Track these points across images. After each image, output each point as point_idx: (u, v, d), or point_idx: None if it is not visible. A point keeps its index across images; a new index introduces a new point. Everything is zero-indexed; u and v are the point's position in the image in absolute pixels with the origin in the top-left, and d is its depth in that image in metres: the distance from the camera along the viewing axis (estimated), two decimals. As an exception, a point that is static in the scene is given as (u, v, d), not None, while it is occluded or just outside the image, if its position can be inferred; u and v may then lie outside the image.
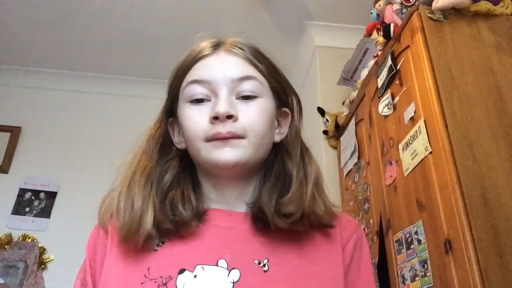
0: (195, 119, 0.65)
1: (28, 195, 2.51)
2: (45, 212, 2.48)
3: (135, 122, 2.86)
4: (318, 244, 0.67)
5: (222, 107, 0.62)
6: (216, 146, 0.63)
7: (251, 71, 0.68)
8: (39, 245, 2.35)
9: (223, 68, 0.67)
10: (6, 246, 2.29)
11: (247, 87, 0.66)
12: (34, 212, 2.47)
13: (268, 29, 2.43)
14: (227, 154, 0.63)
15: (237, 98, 0.66)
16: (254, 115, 0.65)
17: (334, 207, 0.70)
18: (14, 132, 2.66)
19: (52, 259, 2.37)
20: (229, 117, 0.63)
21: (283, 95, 0.73)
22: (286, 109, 0.74)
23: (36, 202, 2.50)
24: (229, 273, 0.60)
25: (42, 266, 2.34)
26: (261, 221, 0.65)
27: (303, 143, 0.74)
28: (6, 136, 2.64)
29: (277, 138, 0.72)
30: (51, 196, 2.53)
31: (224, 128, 0.62)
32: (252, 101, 0.66)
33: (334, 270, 0.65)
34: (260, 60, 0.70)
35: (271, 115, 0.68)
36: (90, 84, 2.88)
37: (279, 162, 0.71)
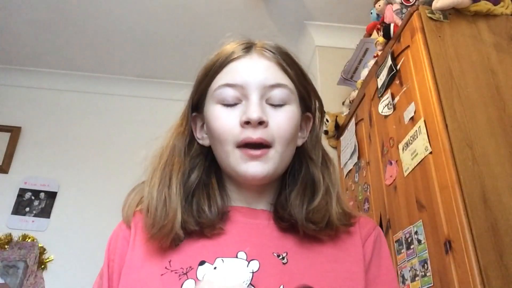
0: (225, 121, 0.65)
1: (28, 195, 2.51)
2: (45, 212, 2.48)
3: (135, 122, 2.88)
4: (337, 241, 0.68)
5: (255, 113, 0.63)
6: (244, 159, 0.64)
7: (282, 78, 0.69)
8: (39, 245, 2.35)
9: (256, 73, 0.67)
10: (6, 246, 2.29)
11: (278, 95, 0.67)
12: (34, 212, 2.47)
13: (268, 29, 2.43)
14: (255, 168, 0.64)
15: (268, 104, 0.67)
16: (283, 122, 0.66)
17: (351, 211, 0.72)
18: (14, 132, 2.66)
19: (52, 259, 2.37)
20: (261, 123, 0.63)
21: (308, 100, 0.75)
22: (309, 114, 0.76)
23: (36, 202, 2.50)
24: (248, 264, 0.61)
25: (42, 266, 2.34)
26: (285, 221, 0.67)
27: (323, 149, 0.76)
28: (6, 136, 2.64)
29: (299, 142, 0.73)
30: (51, 196, 2.53)
31: (255, 133, 0.63)
32: (281, 108, 0.67)
33: (353, 266, 0.66)
34: (291, 66, 0.71)
35: (297, 122, 0.69)
36: (90, 84, 2.88)
37: (305, 168, 0.72)
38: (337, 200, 0.70)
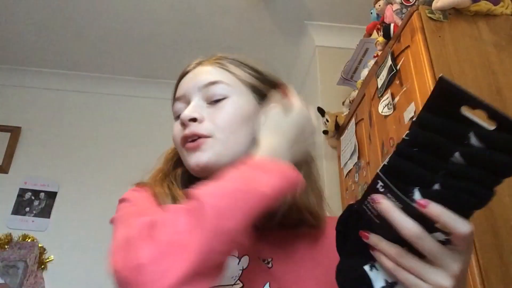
0: (175, 130, 0.70)
1: (28, 195, 2.51)
2: (45, 212, 2.48)
3: (134, 122, 2.88)
4: (322, 247, 0.68)
5: (185, 112, 0.67)
6: (187, 154, 0.67)
7: (218, 76, 0.71)
8: (39, 245, 2.35)
9: (194, 79, 0.71)
10: (6, 246, 2.29)
11: (215, 91, 0.69)
12: (34, 212, 2.47)
13: (268, 28, 2.43)
14: (196, 158, 0.66)
15: (209, 103, 0.69)
16: (221, 114, 0.67)
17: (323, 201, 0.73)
18: (14, 132, 2.66)
19: (52, 259, 2.37)
20: (194, 120, 0.66)
21: (268, 91, 0.72)
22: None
23: (36, 202, 2.50)
24: (239, 260, 0.62)
25: (42, 266, 2.34)
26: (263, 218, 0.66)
27: None
28: (6, 136, 2.64)
29: None
30: (51, 196, 2.53)
31: (189, 130, 0.66)
32: (220, 103, 0.69)
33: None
34: (236, 65, 0.73)
35: (243, 111, 0.69)
36: (90, 84, 2.89)
37: None
38: (316, 192, 0.70)
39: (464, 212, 0.43)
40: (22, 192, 2.52)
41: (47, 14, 2.39)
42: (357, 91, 1.90)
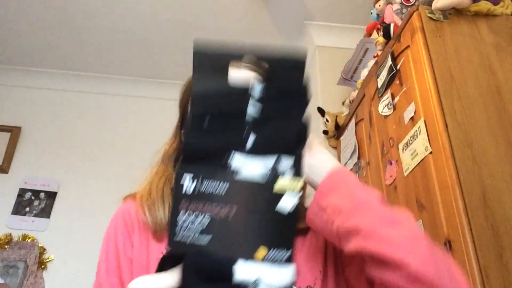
0: None
1: (28, 195, 2.51)
2: (45, 212, 2.48)
3: (135, 122, 2.88)
4: (323, 248, 0.69)
5: None
6: None
7: None
8: (39, 245, 2.35)
9: None
10: (6, 246, 2.29)
11: None
12: (34, 212, 2.47)
13: (268, 29, 2.43)
14: None
15: None
16: None
17: None
18: (14, 132, 2.66)
19: (52, 259, 2.37)
20: None
21: None
22: None
23: (36, 202, 2.50)
24: None
25: (42, 266, 2.34)
26: None
27: None
28: (6, 136, 2.63)
29: None
30: (51, 196, 2.53)
31: None
32: None
33: (339, 273, 0.66)
34: None
35: None
36: (90, 84, 2.88)
37: None
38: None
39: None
40: (22, 192, 2.51)
41: (47, 14, 2.39)
42: (357, 91, 1.91)
